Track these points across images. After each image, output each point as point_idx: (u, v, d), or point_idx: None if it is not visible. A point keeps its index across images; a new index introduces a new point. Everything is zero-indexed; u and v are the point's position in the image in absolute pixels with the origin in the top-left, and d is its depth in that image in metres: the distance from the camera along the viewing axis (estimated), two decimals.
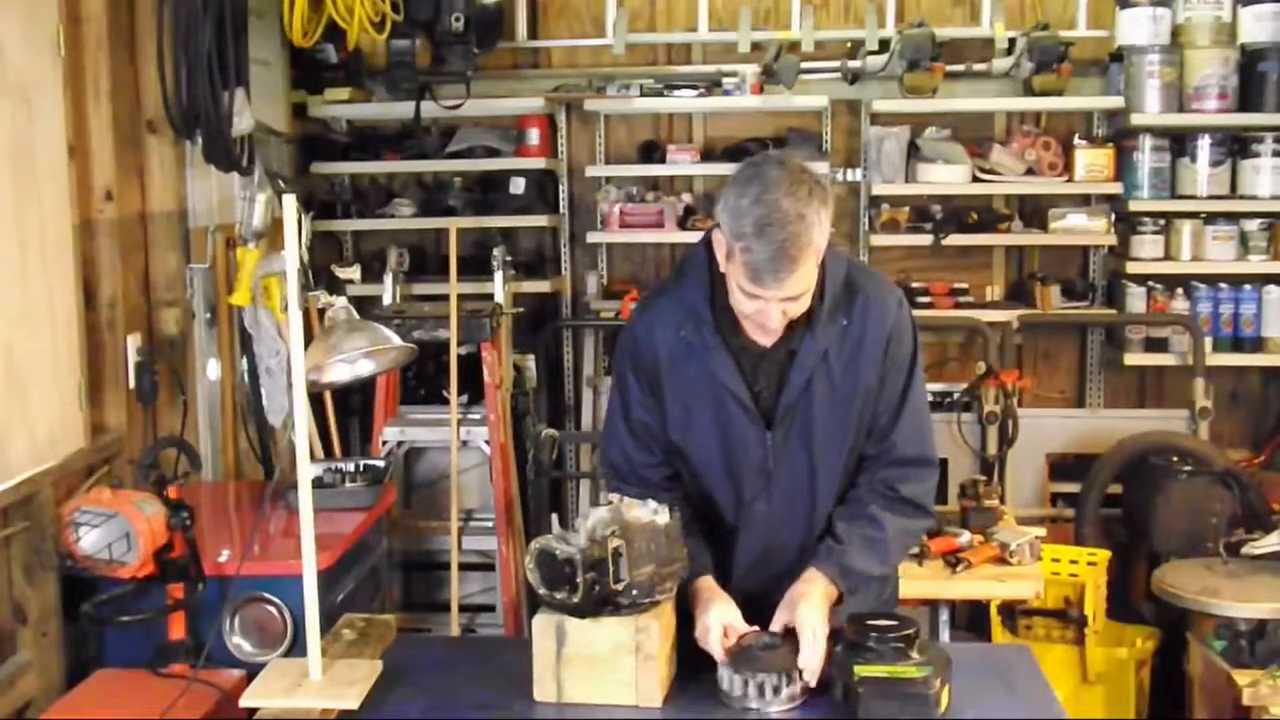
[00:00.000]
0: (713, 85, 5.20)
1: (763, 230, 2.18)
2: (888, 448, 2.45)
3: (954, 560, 3.63)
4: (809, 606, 2.32)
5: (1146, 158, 4.96)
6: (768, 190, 2.20)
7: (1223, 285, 4.97)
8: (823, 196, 2.22)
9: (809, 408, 2.39)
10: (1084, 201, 5.11)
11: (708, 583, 2.42)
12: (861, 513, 2.44)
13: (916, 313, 2.56)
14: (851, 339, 2.39)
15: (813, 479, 2.45)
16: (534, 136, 5.22)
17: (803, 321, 2.34)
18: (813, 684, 2.27)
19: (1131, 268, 5.02)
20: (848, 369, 2.39)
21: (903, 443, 2.45)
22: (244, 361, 4.17)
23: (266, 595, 3.00)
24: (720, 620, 2.33)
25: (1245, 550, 3.91)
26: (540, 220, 5.28)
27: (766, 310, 2.27)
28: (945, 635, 3.69)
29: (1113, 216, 5.03)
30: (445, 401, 4.46)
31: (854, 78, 5.11)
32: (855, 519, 2.44)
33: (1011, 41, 5.01)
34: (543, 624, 2.27)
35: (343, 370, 2.85)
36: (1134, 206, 4.98)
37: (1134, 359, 5.06)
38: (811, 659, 2.26)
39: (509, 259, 4.75)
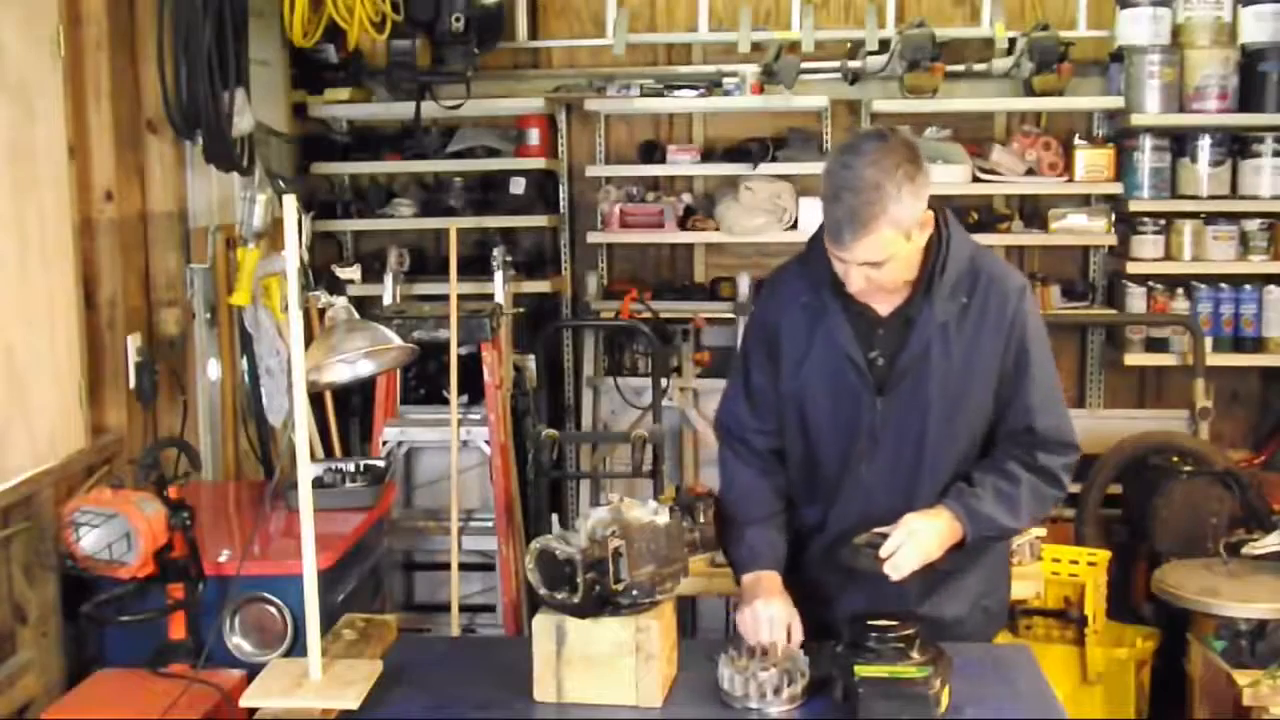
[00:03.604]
0: (713, 85, 5.20)
1: (838, 194, 2.33)
2: (1029, 427, 2.52)
3: None
4: (920, 515, 2.43)
5: (1147, 158, 4.95)
6: (856, 157, 2.34)
7: (1223, 285, 4.97)
8: (912, 173, 2.33)
9: (924, 377, 2.47)
10: (1084, 201, 5.11)
11: (774, 579, 2.53)
12: (997, 467, 2.52)
13: None
14: (972, 317, 2.47)
15: (920, 449, 2.51)
16: (534, 136, 5.22)
17: (920, 292, 2.45)
18: (894, 577, 2.37)
19: (1132, 268, 5.02)
20: (968, 346, 2.47)
21: (1041, 422, 2.51)
22: (244, 361, 4.17)
23: (266, 595, 3.00)
24: (785, 616, 2.43)
25: (1245, 550, 3.91)
26: (540, 220, 5.28)
27: (849, 272, 2.39)
28: None
29: (1113, 216, 5.03)
30: (445, 401, 4.46)
31: (854, 78, 5.11)
32: (990, 471, 2.51)
33: (1011, 41, 5.01)
34: (543, 624, 2.27)
35: (343, 370, 2.85)
36: (1134, 206, 4.98)
37: (1134, 359, 5.06)
38: (900, 552, 2.36)
39: (509, 259, 4.74)
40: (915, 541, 2.39)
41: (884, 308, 2.50)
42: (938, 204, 2.51)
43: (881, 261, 2.36)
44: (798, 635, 2.45)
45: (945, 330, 2.46)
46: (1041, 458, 2.51)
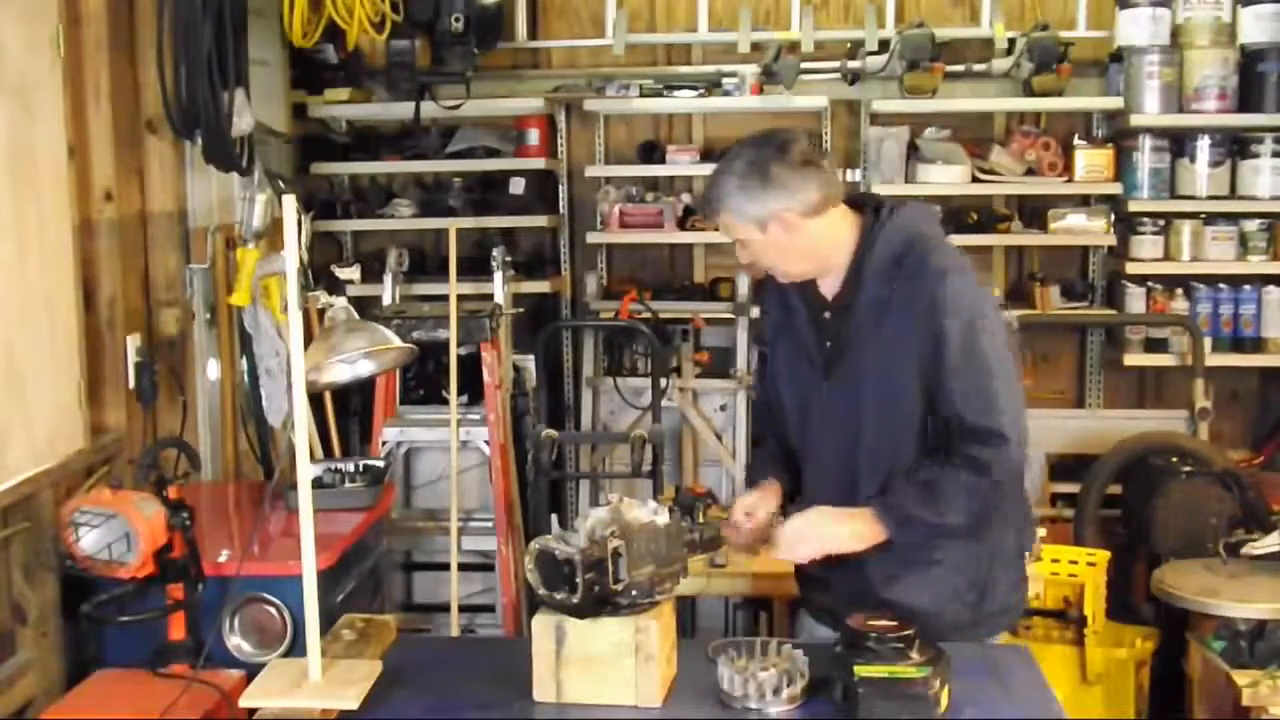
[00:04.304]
0: (712, 85, 5.20)
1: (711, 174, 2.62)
2: (952, 416, 2.50)
3: None
4: (832, 509, 2.57)
5: (1146, 158, 4.96)
6: (734, 149, 2.60)
7: (1222, 286, 4.98)
8: (764, 174, 2.49)
9: (857, 362, 2.56)
10: (1084, 202, 5.11)
11: (769, 483, 2.73)
12: (921, 464, 2.54)
13: None
14: (896, 303, 2.52)
15: (859, 436, 2.57)
16: (534, 137, 5.22)
17: (852, 278, 2.57)
18: (779, 557, 2.59)
19: (1131, 268, 5.02)
20: (893, 332, 2.51)
21: (966, 411, 2.49)
22: (244, 361, 4.17)
23: (266, 595, 3.00)
24: (745, 502, 2.68)
25: (1245, 550, 3.91)
26: (540, 220, 5.28)
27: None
28: None
29: (1112, 217, 5.03)
30: (445, 402, 4.46)
31: (854, 78, 5.11)
32: (920, 465, 2.54)
33: (1011, 42, 5.01)
34: (542, 624, 2.27)
35: (342, 370, 2.85)
36: (1134, 207, 4.98)
37: (1133, 359, 5.06)
38: (787, 538, 2.56)
39: (509, 259, 4.75)
40: (808, 531, 2.54)
41: (829, 293, 2.62)
42: (881, 197, 2.68)
43: (740, 242, 2.58)
44: (761, 514, 2.65)
45: (875, 316, 2.53)
46: (964, 447, 2.48)
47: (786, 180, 2.49)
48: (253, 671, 2.53)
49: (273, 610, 3.01)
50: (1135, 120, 4.90)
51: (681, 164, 5.21)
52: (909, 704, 2.16)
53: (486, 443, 4.42)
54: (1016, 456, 2.51)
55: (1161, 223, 5.00)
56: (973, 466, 2.48)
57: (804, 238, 2.53)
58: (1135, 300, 5.04)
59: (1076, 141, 5.02)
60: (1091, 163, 4.98)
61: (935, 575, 2.58)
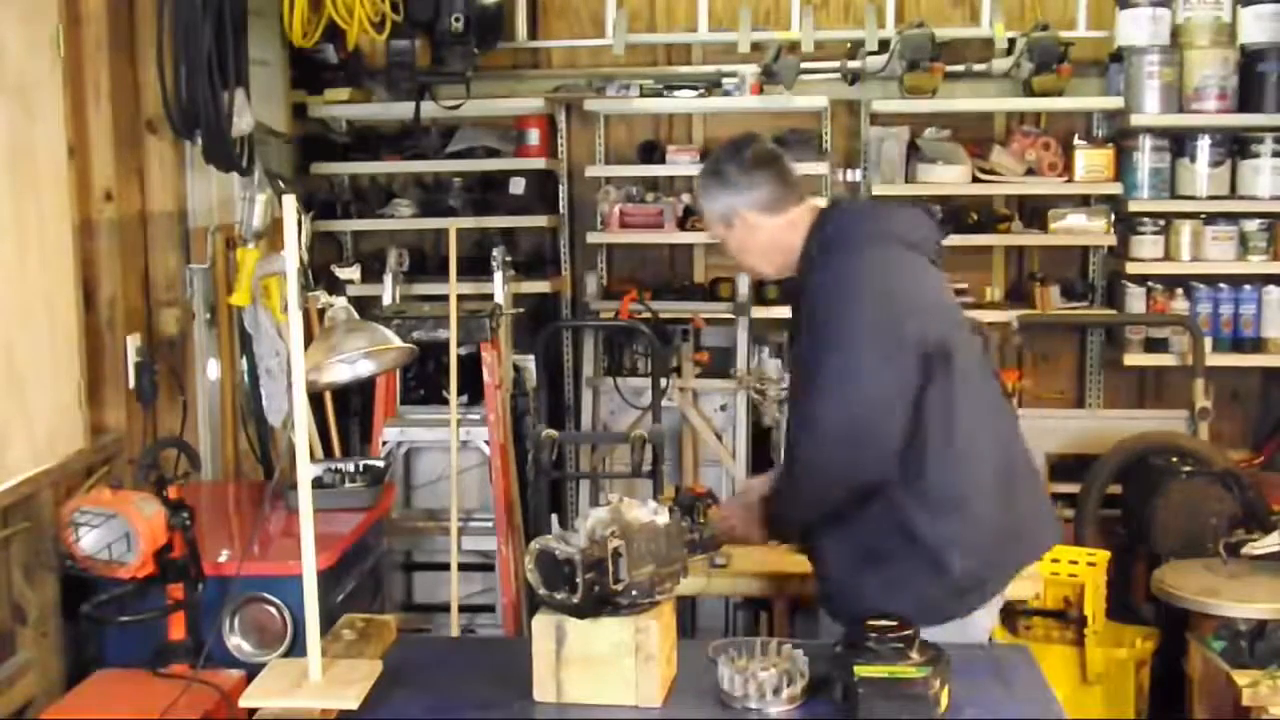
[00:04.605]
0: (712, 86, 5.20)
1: None
2: None
3: None
4: (751, 502, 2.82)
5: (1146, 158, 4.96)
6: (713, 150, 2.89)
7: (1222, 285, 4.98)
8: (719, 174, 2.68)
9: (796, 354, 2.72)
10: (1084, 202, 5.11)
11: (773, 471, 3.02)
12: None
13: None
14: (815, 300, 2.62)
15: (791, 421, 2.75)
16: (534, 137, 5.22)
17: (797, 276, 2.73)
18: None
19: (1131, 268, 5.02)
20: (814, 327, 2.61)
21: (800, 396, 2.60)
22: (244, 361, 4.17)
23: (266, 595, 3.00)
24: (742, 483, 2.99)
25: (1245, 550, 3.91)
26: (540, 220, 5.28)
27: None
28: None
29: (1112, 217, 5.03)
30: (445, 402, 4.46)
31: (854, 78, 5.11)
32: None
33: (1011, 42, 5.02)
34: (543, 624, 2.27)
35: (343, 370, 2.85)
36: (1134, 207, 4.98)
37: (1134, 359, 5.06)
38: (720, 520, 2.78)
39: (509, 259, 4.75)
40: (729, 517, 2.79)
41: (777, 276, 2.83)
42: (844, 195, 2.81)
43: (722, 243, 2.75)
44: (753, 496, 2.83)
45: (807, 308, 2.62)
46: (790, 435, 2.60)
47: (738, 179, 2.65)
48: (253, 671, 2.53)
49: (273, 610, 3.01)
50: (1135, 120, 4.90)
51: (681, 164, 5.20)
52: (909, 704, 2.16)
53: (486, 443, 4.41)
54: (829, 450, 2.47)
55: (1161, 223, 5.00)
56: (786, 457, 2.64)
57: (763, 234, 2.67)
58: (1135, 300, 5.04)
59: (1076, 141, 5.02)
60: (1091, 163, 4.99)
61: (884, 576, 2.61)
